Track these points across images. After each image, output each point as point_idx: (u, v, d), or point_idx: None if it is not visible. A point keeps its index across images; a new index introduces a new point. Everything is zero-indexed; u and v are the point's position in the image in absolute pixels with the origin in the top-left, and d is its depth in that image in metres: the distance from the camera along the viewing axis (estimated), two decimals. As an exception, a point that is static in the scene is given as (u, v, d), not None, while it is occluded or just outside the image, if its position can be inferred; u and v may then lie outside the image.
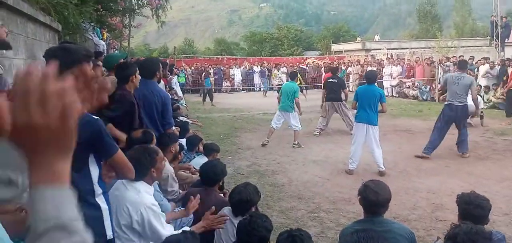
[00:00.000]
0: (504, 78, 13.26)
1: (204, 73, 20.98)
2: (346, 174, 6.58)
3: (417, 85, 17.35)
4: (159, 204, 3.22)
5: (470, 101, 7.58)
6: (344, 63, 24.87)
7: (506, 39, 18.39)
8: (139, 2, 9.92)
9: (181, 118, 7.59)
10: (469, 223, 2.46)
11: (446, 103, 7.70)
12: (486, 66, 14.68)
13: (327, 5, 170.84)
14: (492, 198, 5.19)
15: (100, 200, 2.21)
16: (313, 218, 4.80)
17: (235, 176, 6.44)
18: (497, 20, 19.32)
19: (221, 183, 3.91)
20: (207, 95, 17.49)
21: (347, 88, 10.96)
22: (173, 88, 10.64)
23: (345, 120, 10.03)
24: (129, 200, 2.61)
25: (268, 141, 8.76)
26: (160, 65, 4.38)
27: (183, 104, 10.64)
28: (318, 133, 9.91)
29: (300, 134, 8.90)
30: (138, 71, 3.68)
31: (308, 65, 25.85)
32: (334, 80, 10.38)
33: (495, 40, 19.40)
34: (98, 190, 2.20)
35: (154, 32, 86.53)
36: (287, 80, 13.02)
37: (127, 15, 10.92)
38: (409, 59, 19.48)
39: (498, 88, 13.61)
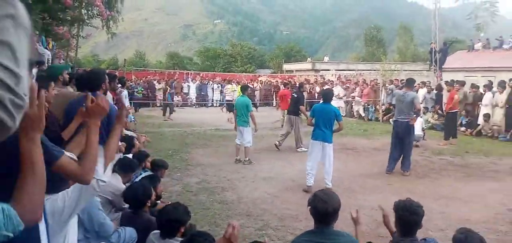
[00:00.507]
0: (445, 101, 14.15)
1: (166, 87, 20.91)
2: (294, 191, 6.70)
3: (364, 105, 18.17)
4: (101, 223, 3.11)
5: (417, 131, 8.09)
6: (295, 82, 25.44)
7: (443, 66, 19.80)
8: (89, 12, 9.60)
9: (126, 132, 7.37)
10: (408, 239, 2.62)
11: (394, 120, 8.19)
12: (424, 90, 15.67)
13: (280, 25, 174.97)
14: (429, 215, 5.52)
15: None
16: (261, 235, 4.82)
17: (184, 193, 6.35)
18: (436, 48, 20.80)
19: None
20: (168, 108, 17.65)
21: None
22: (123, 102, 10.32)
23: (296, 135, 10.29)
24: None
25: (238, 158, 8.75)
26: (106, 76, 4.25)
27: (131, 119, 10.34)
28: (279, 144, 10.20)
29: (251, 150, 8.96)
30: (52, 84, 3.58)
31: (261, 82, 26.23)
32: (294, 95, 10.71)
33: (434, 66, 20.82)
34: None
35: (104, 42, 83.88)
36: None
37: (75, 25, 10.50)
38: (361, 82, 20.30)
39: (436, 110, 14.58)
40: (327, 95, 7.25)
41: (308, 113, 10.29)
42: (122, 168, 4.07)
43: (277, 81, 26.40)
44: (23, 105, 0.75)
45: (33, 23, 6.24)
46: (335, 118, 6.79)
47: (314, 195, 2.85)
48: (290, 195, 6.50)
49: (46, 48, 10.07)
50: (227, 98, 19.59)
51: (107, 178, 2.30)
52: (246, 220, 5.32)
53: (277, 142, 10.28)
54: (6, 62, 0.71)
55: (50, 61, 9.87)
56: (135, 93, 20.78)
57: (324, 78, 23.87)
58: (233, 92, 19.82)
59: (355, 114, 18.57)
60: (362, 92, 18.55)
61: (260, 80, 27.38)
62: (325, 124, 6.71)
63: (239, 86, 18.94)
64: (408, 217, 2.84)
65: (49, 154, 1.97)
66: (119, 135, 2.40)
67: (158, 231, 3.00)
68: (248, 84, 13.80)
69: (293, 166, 8.41)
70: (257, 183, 7.14)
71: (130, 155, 5.17)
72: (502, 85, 12.75)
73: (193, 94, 23.70)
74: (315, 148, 6.76)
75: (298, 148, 10.12)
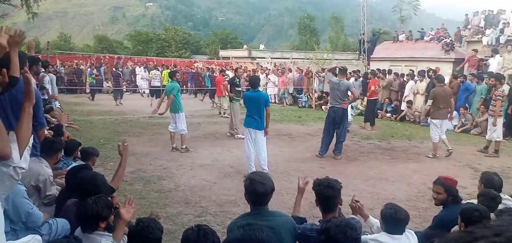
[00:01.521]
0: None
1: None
2: (232, 177, 6.74)
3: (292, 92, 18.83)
4: (27, 213, 2.91)
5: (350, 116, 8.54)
6: (231, 68, 25.43)
7: (371, 56, 21.00)
8: (6, -12, 8.72)
9: (52, 120, 6.87)
10: (338, 218, 2.75)
11: (329, 106, 8.53)
12: (352, 79, 16.50)
13: (215, 11, 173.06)
14: (359, 194, 5.86)
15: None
16: (200, 222, 4.78)
17: (118, 183, 6.08)
18: (364, 38, 21.98)
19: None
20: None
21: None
22: (46, 87, 9.60)
23: (233, 120, 10.35)
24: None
25: (174, 147, 8.56)
26: (26, 60, 3.91)
27: (57, 105, 9.66)
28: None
29: (187, 137, 8.83)
30: None
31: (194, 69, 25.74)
32: (227, 81, 10.86)
33: (363, 55, 22.01)
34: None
35: (24, 23, 76.88)
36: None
37: (-11, 2, 9.51)
38: (301, 69, 20.77)
39: (365, 97, 15.45)
40: (254, 82, 7.27)
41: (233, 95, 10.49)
42: (44, 150, 3.76)
43: (212, 67, 26.18)
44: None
45: None
46: (265, 105, 6.85)
47: (250, 179, 2.91)
48: (228, 181, 6.53)
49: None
50: (155, 84, 18.77)
51: (25, 164, 2.11)
52: (184, 207, 5.26)
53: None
54: None
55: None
56: (89, 79, 19.98)
57: (261, 66, 24.13)
58: (158, 78, 19.06)
59: (287, 99, 19.00)
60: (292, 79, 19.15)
61: (195, 66, 26.92)
62: (255, 111, 6.76)
63: (165, 71, 18.54)
64: (323, 191, 2.99)
65: None
66: (31, 115, 2.21)
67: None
68: (176, 69, 13.38)
69: (231, 153, 8.45)
70: (195, 171, 7.07)
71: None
72: (422, 74, 13.82)
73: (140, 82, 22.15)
74: (248, 136, 6.83)
75: (235, 135, 10.16)
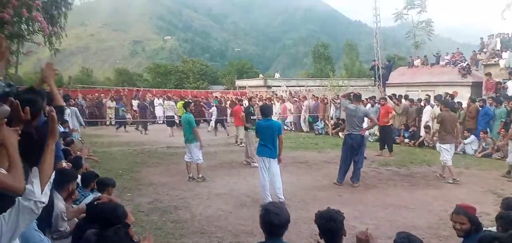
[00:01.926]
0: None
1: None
2: (248, 206, 6.70)
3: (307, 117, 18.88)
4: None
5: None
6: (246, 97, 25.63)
7: (386, 82, 20.92)
8: (30, 28, 9.10)
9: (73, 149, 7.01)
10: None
11: (346, 133, 8.47)
12: (368, 105, 16.41)
13: (231, 42, 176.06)
14: (378, 223, 5.76)
15: None
16: (216, 252, 4.77)
17: (135, 214, 6.11)
18: (379, 65, 21.95)
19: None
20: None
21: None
22: (67, 120, 9.84)
23: (248, 149, 10.39)
24: None
25: (191, 176, 8.59)
26: (46, 96, 4.05)
27: (77, 137, 9.87)
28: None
29: (203, 167, 8.87)
30: None
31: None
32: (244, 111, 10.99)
33: (378, 81, 21.93)
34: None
35: (47, 59, 79.39)
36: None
37: (15, 41, 9.92)
38: (304, 96, 20.85)
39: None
40: (266, 111, 7.33)
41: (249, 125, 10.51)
42: (55, 181, 3.79)
43: (229, 97, 26.44)
44: None
45: (-33, 38, 5.84)
46: (278, 132, 6.85)
47: (265, 209, 2.89)
48: (244, 211, 6.49)
49: (-19, 65, 9.44)
50: (168, 114, 19.08)
51: (45, 198, 2.16)
52: (199, 238, 5.24)
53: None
54: None
55: (-14, 79, 9.24)
56: (121, 112, 20.60)
57: (276, 94, 24.25)
58: (173, 108, 19.29)
59: (303, 127, 19.02)
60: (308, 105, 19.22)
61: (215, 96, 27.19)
62: (268, 140, 6.76)
63: (179, 102, 18.96)
64: (324, 224, 2.93)
65: None
66: (53, 151, 2.27)
67: None
68: (189, 100, 13.63)
69: (247, 181, 8.43)
70: (211, 200, 7.06)
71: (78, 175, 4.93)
72: (439, 98, 13.62)
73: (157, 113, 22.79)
74: (262, 164, 6.82)
75: (251, 163, 10.16)
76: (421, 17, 42.26)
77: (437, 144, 8.83)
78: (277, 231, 2.84)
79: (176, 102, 20.10)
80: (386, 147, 12.09)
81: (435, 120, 13.38)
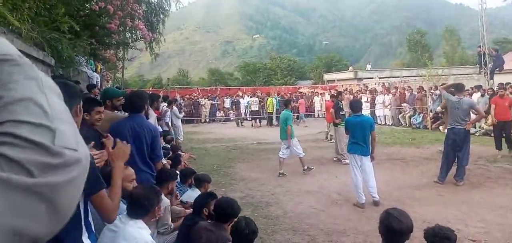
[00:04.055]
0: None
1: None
2: (340, 205, 6.53)
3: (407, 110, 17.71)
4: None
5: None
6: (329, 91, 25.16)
7: (497, 70, 18.71)
8: (133, 36, 10.01)
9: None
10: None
11: (449, 127, 7.80)
12: (478, 94, 14.88)
13: (319, 36, 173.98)
14: (486, 226, 5.19)
15: (85, 238, 2.14)
16: (308, 251, 4.73)
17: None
18: (485, 50, 19.78)
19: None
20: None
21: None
22: (166, 120, 10.60)
23: (338, 145, 10.15)
24: (130, 235, 2.57)
25: (282, 172, 8.70)
26: (147, 98, 4.40)
27: (174, 136, 10.60)
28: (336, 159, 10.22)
29: (305, 159, 8.93)
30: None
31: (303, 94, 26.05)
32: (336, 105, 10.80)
33: (484, 69, 19.78)
34: (85, 230, 2.14)
35: (148, 63, 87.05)
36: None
37: (121, 48, 11.00)
38: (402, 88, 19.72)
39: (489, 115, 13.76)
40: (356, 106, 6.99)
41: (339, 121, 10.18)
42: (157, 180, 4.10)
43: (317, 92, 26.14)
44: (60, 162, 0.57)
45: (82, 48, 6.60)
46: (370, 128, 6.54)
47: (387, 213, 2.77)
48: (336, 209, 6.34)
49: (95, 71, 10.61)
50: (253, 109, 21.36)
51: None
52: (292, 235, 5.24)
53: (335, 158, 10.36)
54: (32, 118, 0.56)
55: (99, 84, 10.37)
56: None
57: (367, 87, 23.31)
58: (256, 104, 21.50)
59: (402, 121, 18.02)
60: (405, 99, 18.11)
61: (300, 92, 27.16)
62: (360, 136, 6.47)
63: (270, 98, 20.81)
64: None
65: (96, 183, 2.11)
66: (120, 173, 2.44)
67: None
68: (290, 99, 13.89)
69: (338, 179, 8.22)
70: (302, 197, 7.03)
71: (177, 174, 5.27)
72: None
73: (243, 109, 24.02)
74: (353, 162, 6.56)
75: (341, 160, 9.90)
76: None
77: None
78: (396, 239, 2.68)
79: (265, 99, 21.04)
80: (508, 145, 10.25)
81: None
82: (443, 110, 10.01)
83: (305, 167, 8.73)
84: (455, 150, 7.56)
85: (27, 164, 0.54)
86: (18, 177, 0.52)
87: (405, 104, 18.18)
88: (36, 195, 0.53)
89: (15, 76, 0.59)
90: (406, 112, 17.87)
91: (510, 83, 13.55)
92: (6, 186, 0.51)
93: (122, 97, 4.55)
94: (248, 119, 22.47)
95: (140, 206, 2.69)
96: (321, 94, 25.24)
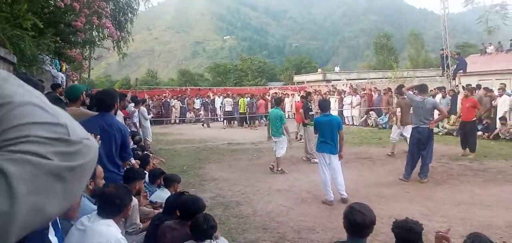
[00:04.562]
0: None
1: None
2: (309, 203, 6.62)
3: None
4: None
5: None
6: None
7: (461, 72, 19.52)
8: (100, 34, 9.75)
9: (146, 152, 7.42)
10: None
11: (413, 126, 8.08)
12: (439, 96, 15.48)
13: (289, 38, 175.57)
14: (449, 222, 5.41)
15: (52, 235, 2.11)
16: (278, 248, 4.77)
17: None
18: (447, 53, 20.60)
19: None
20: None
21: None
22: (134, 121, 10.40)
23: (307, 144, 10.28)
24: (99, 232, 2.52)
25: (278, 169, 8.88)
26: (117, 97, 4.30)
27: (142, 136, 10.41)
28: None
29: (262, 163, 8.95)
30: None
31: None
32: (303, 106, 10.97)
33: (447, 71, 20.59)
34: (52, 227, 2.11)
35: (116, 63, 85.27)
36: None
37: (87, 47, 10.69)
38: (369, 89, 20.22)
39: (452, 115, 14.34)
40: (324, 105, 7.17)
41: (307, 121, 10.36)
42: (125, 179, 4.03)
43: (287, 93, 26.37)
44: (78, 149, 0.66)
45: (46, 46, 6.37)
46: (338, 128, 6.69)
47: (350, 208, 2.85)
48: (305, 207, 6.42)
49: (60, 71, 10.27)
50: (227, 109, 21.32)
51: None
52: (262, 233, 5.27)
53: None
54: (41, 119, 0.64)
55: (64, 83, 10.04)
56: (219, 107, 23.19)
57: (335, 88, 23.75)
58: (230, 104, 21.52)
59: (369, 123, 18.46)
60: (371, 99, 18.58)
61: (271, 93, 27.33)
62: (328, 135, 6.61)
63: (242, 99, 21.08)
64: (405, 234, 2.78)
65: None
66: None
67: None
68: (281, 97, 14.09)
69: (307, 178, 8.33)
70: (272, 196, 7.08)
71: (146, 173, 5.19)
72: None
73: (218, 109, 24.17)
74: (322, 161, 6.69)
75: (311, 159, 10.03)
76: (494, 0, 39.03)
77: None
78: (360, 231, 2.76)
79: (236, 99, 21.15)
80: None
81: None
82: (398, 108, 10.82)
83: (279, 168, 8.80)
84: (420, 148, 7.84)
85: (51, 155, 0.62)
86: (46, 161, 0.61)
87: (372, 112, 18.63)
88: (56, 177, 0.62)
89: (8, 87, 0.65)
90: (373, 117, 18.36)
91: (470, 84, 14.18)
92: (35, 168, 0.60)
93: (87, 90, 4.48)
94: (219, 119, 22.46)
95: (112, 204, 2.66)
96: (291, 95, 25.49)
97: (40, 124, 0.63)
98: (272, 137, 9.22)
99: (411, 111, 9.90)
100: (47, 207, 0.61)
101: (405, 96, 9.88)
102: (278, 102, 9.98)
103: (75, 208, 2.34)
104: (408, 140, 8.91)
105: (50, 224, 2.10)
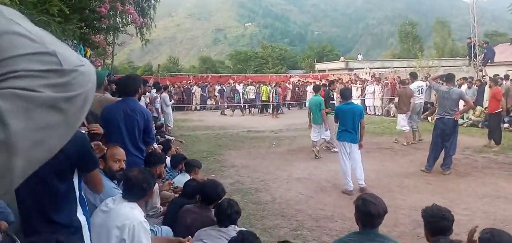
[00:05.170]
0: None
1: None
2: (328, 192, 6.60)
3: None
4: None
5: None
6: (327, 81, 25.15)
7: (488, 62, 18.89)
8: (124, 20, 9.87)
9: (166, 136, 7.54)
10: (443, 238, 2.51)
11: (437, 117, 7.90)
12: (464, 86, 15.05)
13: (311, 25, 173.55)
14: (472, 215, 5.31)
15: (80, 214, 2.22)
16: (296, 236, 4.79)
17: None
18: (476, 42, 19.95)
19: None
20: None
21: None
22: (156, 107, 10.55)
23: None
24: (123, 214, 2.59)
25: (317, 154, 9.09)
26: (141, 82, 4.36)
27: (164, 122, 10.57)
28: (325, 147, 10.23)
29: (282, 151, 8.96)
30: None
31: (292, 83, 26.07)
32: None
33: (474, 60, 19.98)
34: (80, 205, 2.23)
35: (139, 49, 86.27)
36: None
37: (111, 33, 10.85)
38: (393, 78, 19.84)
39: (477, 106, 13.95)
40: (346, 94, 7.09)
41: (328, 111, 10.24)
42: (146, 162, 4.08)
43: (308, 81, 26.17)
44: (72, 78, 0.61)
45: (72, 32, 6.49)
46: (359, 116, 6.61)
47: (362, 198, 2.83)
48: (324, 196, 6.41)
49: (84, 57, 10.48)
50: (250, 97, 21.53)
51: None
52: (280, 220, 5.29)
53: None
54: (24, 50, 0.57)
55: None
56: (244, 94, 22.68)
57: (358, 77, 23.41)
58: (252, 92, 21.74)
59: (391, 113, 18.15)
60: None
61: (291, 81, 27.18)
62: (349, 124, 6.55)
63: (264, 86, 21.24)
64: (437, 223, 2.76)
65: (92, 163, 2.29)
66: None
67: None
68: (320, 85, 13.87)
69: (327, 167, 8.29)
70: (291, 184, 7.09)
71: (167, 158, 5.27)
72: None
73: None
74: (343, 150, 6.63)
75: (331, 148, 9.96)
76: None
77: None
78: (373, 222, 2.75)
79: (258, 87, 21.26)
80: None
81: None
82: (397, 97, 11.18)
83: (318, 150, 9.11)
84: (444, 139, 7.67)
85: (42, 88, 0.57)
86: (37, 94, 0.56)
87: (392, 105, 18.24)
88: (53, 109, 0.58)
89: None
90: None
91: (498, 75, 13.73)
92: (26, 102, 0.55)
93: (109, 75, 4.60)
94: (238, 107, 22.53)
95: (138, 188, 2.72)
96: (312, 83, 25.27)
97: (26, 55, 0.57)
98: (313, 124, 9.38)
99: (411, 102, 10.59)
100: (49, 140, 0.59)
101: (406, 86, 10.56)
102: (317, 89, 10.19)
103: (100, 183, 2.51)
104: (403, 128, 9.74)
105: (78, 203, 2.21)
